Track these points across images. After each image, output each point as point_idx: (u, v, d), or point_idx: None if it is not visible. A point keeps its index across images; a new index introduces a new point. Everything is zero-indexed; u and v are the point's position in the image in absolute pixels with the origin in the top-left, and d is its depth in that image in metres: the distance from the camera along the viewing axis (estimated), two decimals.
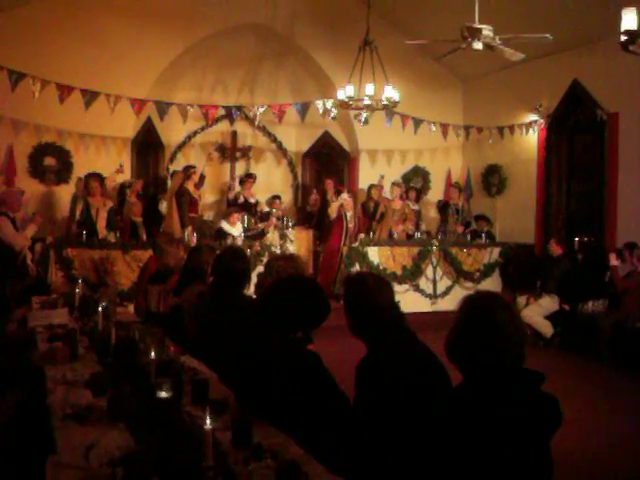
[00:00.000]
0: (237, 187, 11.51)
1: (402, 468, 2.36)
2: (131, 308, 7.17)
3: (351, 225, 10.74)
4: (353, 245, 9.95)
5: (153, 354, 3.18)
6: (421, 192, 12.43)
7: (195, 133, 12.39)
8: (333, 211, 10.68)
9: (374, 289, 2.95)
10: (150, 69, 10.67)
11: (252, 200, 11.25)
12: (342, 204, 10.73)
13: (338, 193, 11.11)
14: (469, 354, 2.25)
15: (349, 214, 10.72)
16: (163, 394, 2.55)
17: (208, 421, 2.16)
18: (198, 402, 2.91)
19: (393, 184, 11.53)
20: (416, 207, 11.80)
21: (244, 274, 4.26)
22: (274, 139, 13.09)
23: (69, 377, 3.34)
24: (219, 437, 2.38)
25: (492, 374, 2.16)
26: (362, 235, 10.73)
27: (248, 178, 11.55)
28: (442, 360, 2.78)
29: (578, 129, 10.64)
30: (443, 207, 11.50)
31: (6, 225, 7.19)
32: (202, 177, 10.86)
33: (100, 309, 4.47)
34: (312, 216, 11.94)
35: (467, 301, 2.37)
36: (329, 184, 12.02)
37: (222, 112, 10.72)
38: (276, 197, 11.82)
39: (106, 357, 3.66)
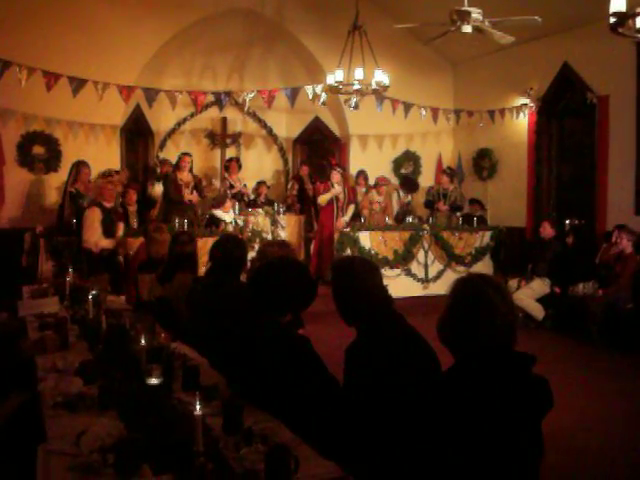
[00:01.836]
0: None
1: (392, 450, 2.37)
2: (122, 297, 7.14)
3: (340, 197, 10.68)
4: (344, 230, 9.93)
5: (144, 341, 3.18)
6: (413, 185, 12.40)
7: (185, 120, 12.33)
8: (324, 201, 10.64)
9: (361, 273, 2.95)
10: (138, 55, 10.56)
11: (237, 185, 11.17)
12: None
13: (328, 169, 11.06)
14: (461, 336, 2.24)
15: (338, 187, 10.65)
16: (154, 380, 2.55)
17: (198, 407, 2.16)
18: (189, 388, 2.92)
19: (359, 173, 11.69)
20: (408, 198, 11.79)
21: (241, 261, 4.27)
22: (264, 125, 13.05)
23: (60, 365, 3.33)
24: (210, 422, 2.39)
25: (484, 356, 2.16)
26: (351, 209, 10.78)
27: (231, 162, 11.51)
28: (431, 344, 2.79)
29: (568, 112, 10.64)
30: (428, 204, 11.47)
31: (91, 217, 7.23)
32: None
33: (90, 297, 4.47)
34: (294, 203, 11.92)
35: (459, 283, 2.37)
36: (304, 170, 12.04)
37: (211, 98, 10.64)
38: (261, 183, 11.82)
39: (96, 345, 3.65)
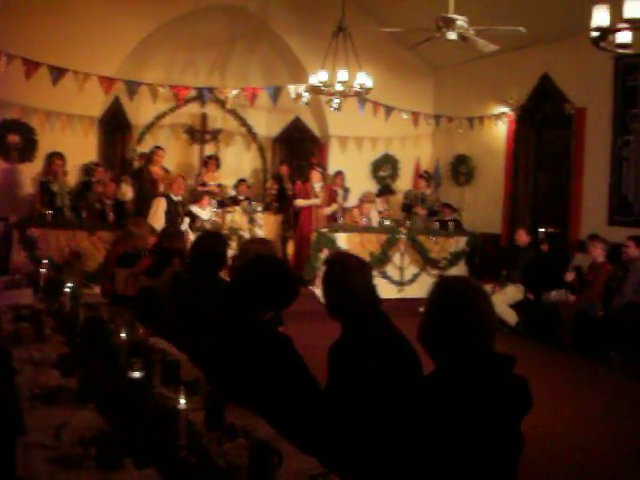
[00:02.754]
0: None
1: (373, 449, 2.39)
2: (97, 290, 7.10)
3: (320, 199, 10.70)
4: (322, 231, 9.95)
5: (124, 335, 3.17)
6: (393, 192, 12.47)
7: (164, 114, 12.25)
8: (300, 205, 10.66)
9: (355, 270, 2.97)
10: (120, 47, 10.49)
11: (212, 184, 11.13)
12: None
13: (307, 168, 11.07)
14: (445, 339, 2.23)
15: (317, 186, 10.67)
16: (135, 374, 2.54)
17: (182, 401, 2.16)
18: (169, 383, 2.91)
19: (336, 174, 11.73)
20: (385, 207, 11.85)
21: (221, 257, 4.27)
22: (244, 123, 13.02)
23: (36, 358, 3.30)
24: (192, 417, 2.38)
25: (467, 357, 2.18)
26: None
27: (210, 160, 11.48)
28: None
29: (546, 122, 10.78)
30: (406, 207, 11.53)
31: (157, 206, 7.47)
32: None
33: (67, 290, 4.42)
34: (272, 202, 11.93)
35: (440, 287, 2.36)
36: (284, 170, 12.05)
37: (193, 93, 10.59)
38: (242, 181, 11.81)
39: (73, 338, 3.62)
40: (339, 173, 11.76)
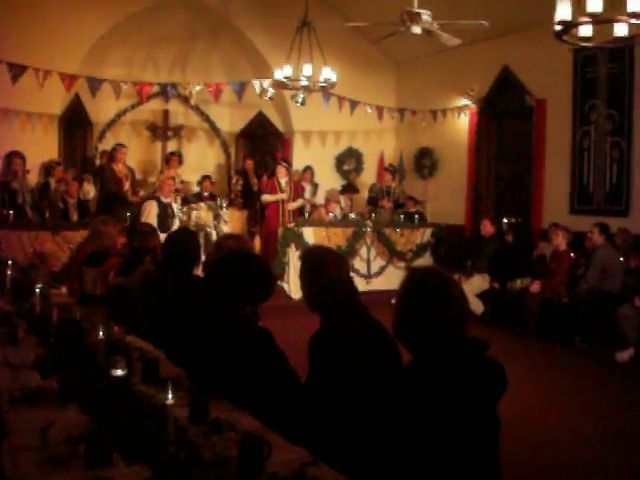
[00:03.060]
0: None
1: (357, 436, 2.44)
2: (63, 290, 7.01)
3: (285, 194, 10.71)
4: (289, 226, 9.97)
5: (102, 333, 3.16)
6: (357, 191, 12.52)
7: (125, 111, 12.13)
8: (267, 201, 10.67)
9: (330, 262, 3.02)
10: (79, 44, 10.35)
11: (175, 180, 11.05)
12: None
13: (273, 163, 11.07)
14: (419, 330, 2.27)
15: (283, 181, 10.68)
16: (118, 372, 2.54)
17: (169, 396, 2.18)
18: (148, 380, 2.91)
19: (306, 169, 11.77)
20: (348, 203, 11.92)
21: (193, 253, 4.26)
22: (207, 118, 12.96)
23: (12, 360, 3.26)
24: (176, 413, 2.39)
25: (442, 345, 2.23)
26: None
27: (172, 156, 11.40)
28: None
29: (508, 114, 10.96)
30: (371, 201, 11.62)
31: (149, 209, 7.43)
32: None
33: (38, 291, 4.37)
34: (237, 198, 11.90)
35: (412, 278, 2.39)
36: (249, 164, 12.03)
37: (156, 89, 10.50)
38: (206, 177, 11.76)
39: (48, 339, 3.59)
40: (308, 168, 11.79)
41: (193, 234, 4.65)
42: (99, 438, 2.10)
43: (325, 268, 3.01)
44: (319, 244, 8.86)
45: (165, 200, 7.68)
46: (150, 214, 7.51)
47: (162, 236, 7.51)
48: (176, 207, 9.75)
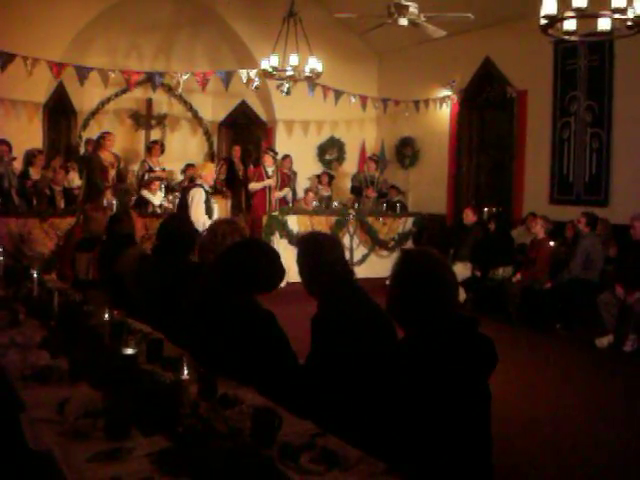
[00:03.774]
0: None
1: (356, 410, 2.57)
2: (53, 275, 7.06)
3: (272, 181, 10.80)
4: (273, 214, 10.06)
5: (107, 315, 3.28)
6: (333, 178, 12.61)
7: (109, 100, 12.12)
8: (255, 188, 10.73)
9: (326, 246, 3.15)
10: (64, 32, 10.33)
11: (157, 169, 11.07)
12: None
13: (259, 152, 11.15)
14: (413, 309, 2.40)
15: (270, 169, 10.76)
16: (129, 351, 2.64)
17: (186, 371, 2.29)
18: (153, 360, 3.01)
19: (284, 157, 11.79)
20: (328, 192, 12.02)
21: (189, 238, 4.35)
22: (190, 107, 12.97)
23: (18, 340, 3.34)
24: None
25: (436, 321, 2.36)
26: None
27: (154, 145, 11.40)
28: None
29: (489, 105, 11.13)
30: (355, 190, 11.73)
31: (198, 197, 7.66)
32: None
33: (35, 275, 4.45)
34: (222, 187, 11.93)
35: (405, 259, 2.51)
36: (237, 151, 12.06)
37: (143, 78, 10.48)
38: (190, 166, 11.80)
39: (49, 321, 3.67)
40: (287, 157, 11.86)
41: (187, 219, 4.73)
42: (117, 412, 2.21)
43: (321, 251, 3.13)
44: (314, 230, 8.95)
45: (207, 188, 7.98)
46: (200, 201, 7.72)
47: (209, 221, 7.74)
48: (160, 195, 9.82)
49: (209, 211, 7.86)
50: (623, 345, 6.86)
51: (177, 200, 10.12)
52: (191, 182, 8.65)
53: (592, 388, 5.79)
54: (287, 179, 11.29)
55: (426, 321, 2.38)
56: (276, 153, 11.36)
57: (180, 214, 6.45)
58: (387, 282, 2.66)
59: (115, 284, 4.85)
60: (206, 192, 7.85)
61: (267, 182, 10.66)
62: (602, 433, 4.70)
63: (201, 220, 7.64)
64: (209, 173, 8.20)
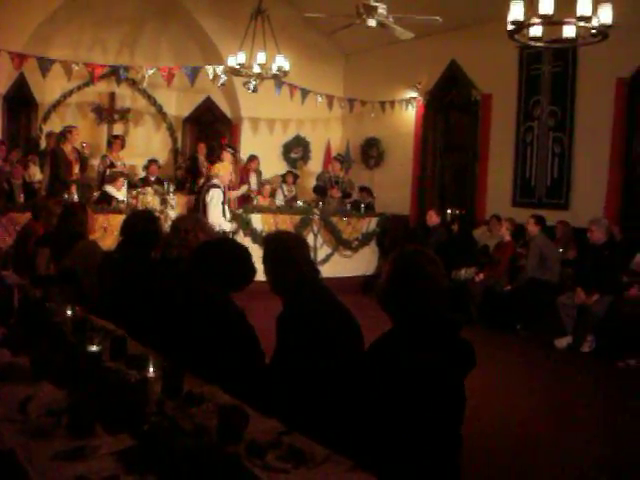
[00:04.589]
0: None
1: (324, 407, 2.58)
2: (10, 272, 6.91)
3: (232, 178, 10.73)
4: (237, 212, 10.00)
5: (70, 312, 3.23)
6: (298, 177, 12.62)
7: (71, 92, 11.93)
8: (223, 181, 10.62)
9: (292, 245, 3.16)
10: (25, 23, 10.12)
11: (118, 164, 10.94)
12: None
13: (218, 149, 11.08)
14: (400, 302, 2.47)
15: (244, 187, 10.72)
16: (94, 348, 2.60)
17: (151, 369, 2.27)
18: (117, 357, 2.98)
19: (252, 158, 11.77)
20: (293, 192, 12.02)
21: (154, 235, 4.30)
22: (154, 102, 12.84)
23: None
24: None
25: (419, 319, 2.40)
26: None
27: (116, 139, 11.26)
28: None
29: (454, 107, 11.25)
30: (319, 189, 11.74)
31: (217, 198, 7.80)
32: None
33: None
34: (186, 181, 11.84)
35: (398, 256, 2.59)
36: (202, 148, 11.97)
37: (106, 71, 10.34)
38: (152, 161, 11.69)
39: (8, 318, 3.60)
40: (254, 157, 11.80)
41: (153, 215, 4.67)
42: (81, 410, 2.17)
43: (287, 251, 3.13)
44: (280, 229, 8.94)
45: (223, 189, 8.07)
46: (218, 203, 7.86)
47: (228, 224, 8.16)
48: (124, 191, 9.69)
49: (223, 211, 8.02)
50: (581, 346, 7.01)
51: (139, 197, 10.05)
52: (208, 181, 8.74)
53: (551, 388, 5.90)
54: (245, 177, 11.23)
55: (409, 315, 2.44)
56: (235, 150, 11.28)
57: (145, 211, 6.39)
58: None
59: (66, 279, 4.76)
60: (222, 193, 7.96)
61: (243, 189, 10.58)
62: (562, 432, 4.79)
63: (217, 221, 7.80)
64: (226, 174, 8.28)
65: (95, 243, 5.34)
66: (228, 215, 8.33)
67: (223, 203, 7.98)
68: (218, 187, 7.99)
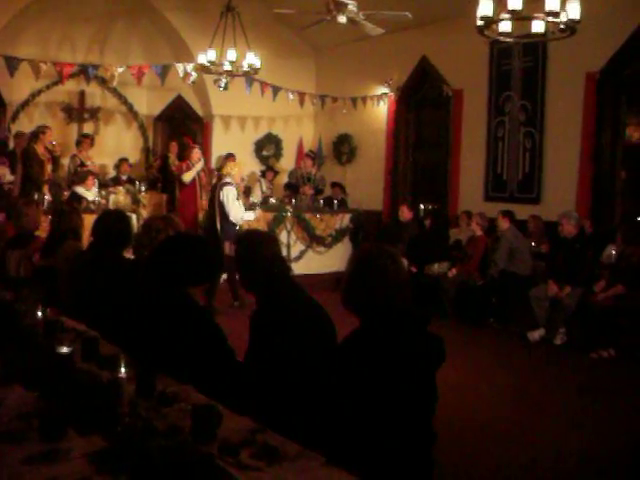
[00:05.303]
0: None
1: (296, 405, 2.58)
2: None
3: (203, 176, 10.67)
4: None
5: (40, 314, 3.19)
6: (278, 173, 12.58)
7: (40, 92, 11.77)
8: (189, 177, 10.54)
9: (262, 243, 3.17)
10: None
11: (88, 163, 10.81)
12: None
13: (184, 148, 11.01)
14: (360, 299, 2.50)
15: (199, 165, 10.57)
16: (64, 349, 2.57)
17: (123, 369, 2.24)
18: (89, 358, 2.94)
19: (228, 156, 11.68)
20: (270, 190, 11.99)
21: (124, 235, 4.27)
22: (125, 101, 12.72)
23: None
24: None
25: (385, 316, 2.41)
26: None
27: (85, 139, 11.13)
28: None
29: (426, 103, 11.30)
30: (291, 186, 11.72)
31: (233, 194, 8.20)
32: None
33: None
34: (158, 180, 11.74)
35: (357, 253, 2.66)
36: (174, 147, 11.87)
37: (75, 70, 10.20)
38: (123, 160, 11.58)
39: None
40: (230, 155, 11.73)
41: (124, 215, 4.63)
42: (52, 412, 2.15)
43: (258, 249, 3.14)
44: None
45: (235, 185, 8.41)
46: (235, 199, 8.21)
47: (248, 215, 8.50)
48: (94, 191, 9.59)
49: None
50: (554, 338, 7.09)
51: (111, 196, 9.95)
52: (219, 181, 8.87)
53: (524, 380, 5.96)
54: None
55: (373, 311, 2.45)
56: (202, 149, 11.20)
57: (117, 210, 6.34)
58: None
59: (49, 279, 4.72)
60: (236, 189, 8.30)
61: (198, 167, 10.40)
62: (535, 424, 4.85)
63: (239, 215, 8.25)
64: (238, 172, 8.55)
65: (79, 246, 5.27)
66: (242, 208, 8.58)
67: (237, 199, 8.27)
68: (231, 185, 8.24)
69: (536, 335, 7.21)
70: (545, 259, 7.97)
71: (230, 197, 8.19)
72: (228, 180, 8.37)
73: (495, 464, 4.15)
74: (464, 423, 4.77)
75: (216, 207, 8.35)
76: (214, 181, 10.96)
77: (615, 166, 8.84)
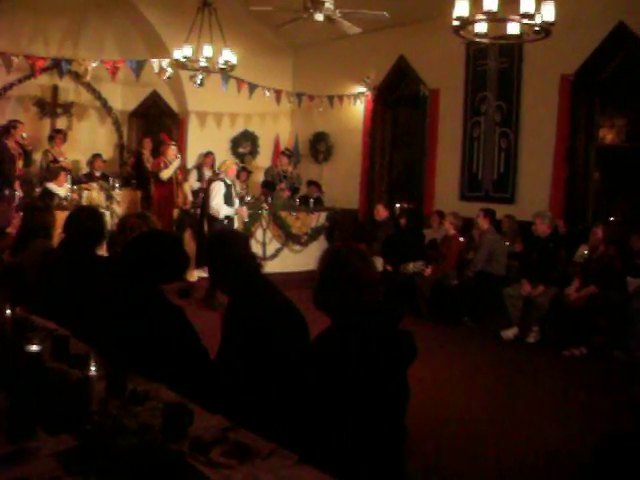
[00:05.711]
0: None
1: (269, 403, 2.56)
2: None
3: (179, 173, 10.58)
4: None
5: (9, 312, 3.12)
6: (251, 173, 12.52)
7: (12, 85, 11.57)
8: (167, 175, 10.43)
9: (230, 242, 3.18)
10: None
11: (61, 159, 10.66)
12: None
13: (159, 144, 10.94)
14: (331, 298, 2.51)
15: (176, 163, 10.44)
16: (34, 348, 2.51)
17: (93, 368, 2.21)
18: (59, 357, 2.90)
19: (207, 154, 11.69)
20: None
21: (96, 232, 4.21)
22: (99, 96, 12.55)
23: None
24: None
25: (355, 314, 2.41)
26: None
27: (57, 134, 10.98)
28: None
29: (402, 102, 11.33)
30: (267, 184, 11.67)
31: (219, 191, 8.32)
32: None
33: None
34: (132, 177, 11.62)
35: (327, 253, 2.64)
36: (148, 143, 11.73)
37: (50, 64, 10.05)
38: (97, 156, 11.45)
39: None
40: (210, 153, 11.65)
41: (97, 212, 4.57)
42: (20, 412, 2.11)
43: (226, 248, 3.14)
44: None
45: (229, 181, 8.57)
46: (219, 192, 8.32)
47: (229, 209, 8.45)
48: (66, 187, 9.45)
49: (230, 201, 8.45)
50: (527, 337, 7.15)
51: (84, 193, 9.83)
52: (214, 175, 9.11)
53: (498, 378, 5.99)
54: (201, 172, 11.09)
55: (346, 311, 2.45)
56: (178, 146, 11.11)
57: (89, 207, 6.28)
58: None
59: (18, 277, 4.64)
60: (226, 184, 8.44)
61: (175, 164, 10.25)
62: (508, 421, 4.87)
63: (218, 209, 8.28)
64: (229, 168, 8.74)
65: (49, 244, 5.19)
66: (237, 203, 8.74)
67: (227, 193, 8.42)
68: (221, 180, 8.44)
69: (510, 334, 7.26)
70: (519, 258, 8.03)
71: (215, 190, 8.35)
72: (220, 176, 8.57)
73: (469, 461, 4.16)
74: (438, 420, 4.79)
75: (205, 201, 8.59)
76: (190, 179, 10.95)
77: (589, 167, 8.93)
